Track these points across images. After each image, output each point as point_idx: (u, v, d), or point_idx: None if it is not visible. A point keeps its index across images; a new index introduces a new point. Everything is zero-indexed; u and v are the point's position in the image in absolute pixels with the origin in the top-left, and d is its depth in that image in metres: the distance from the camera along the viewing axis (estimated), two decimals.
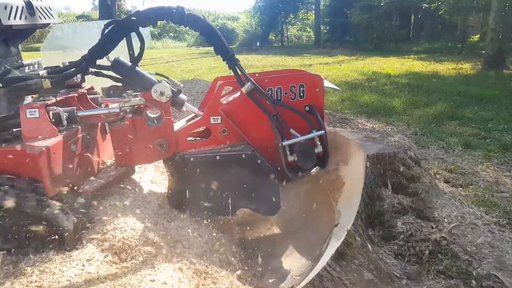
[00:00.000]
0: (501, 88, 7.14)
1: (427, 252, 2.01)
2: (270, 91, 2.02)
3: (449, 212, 2.34)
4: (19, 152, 1.65)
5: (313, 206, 2.31)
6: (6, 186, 1.61)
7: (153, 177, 2.45)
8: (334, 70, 10.24)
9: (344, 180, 2.19)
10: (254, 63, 12.30)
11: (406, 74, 9.31)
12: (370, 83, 8.05)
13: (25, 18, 1.97)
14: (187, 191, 1.97)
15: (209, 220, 2.10)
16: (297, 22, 25.33)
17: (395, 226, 2.17)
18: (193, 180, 1.96)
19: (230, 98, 2.09)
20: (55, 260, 1.61)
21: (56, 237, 1.66)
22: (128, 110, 1.91)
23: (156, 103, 1.94)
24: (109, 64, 2.05)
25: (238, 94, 2.06)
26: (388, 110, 5.69)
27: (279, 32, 23.71)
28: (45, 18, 2.14)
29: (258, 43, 19.96)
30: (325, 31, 22.24)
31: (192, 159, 1.92)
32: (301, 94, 2.05)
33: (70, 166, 1.82)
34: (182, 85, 2.26)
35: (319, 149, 2.03)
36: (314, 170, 2.10)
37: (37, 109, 1.75)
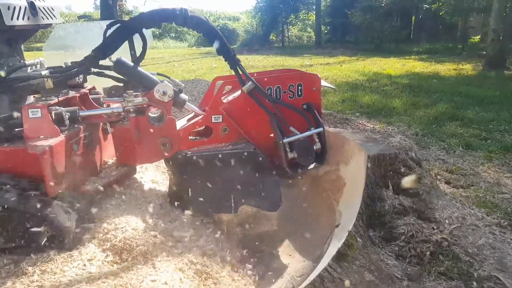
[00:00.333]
0: (502, 89, 7.13)
1: (428, 253, 2.01)
2: (269, 90, 2.06)
3: (450, 213, 2.34)
4: (21, 152, 1.65)
5: (314, 206, 2.31)
6: (8, 185, 1.61)
7: (154, 177, 2.45)
8: (334, 70, 10.23)
9: (345, 181, 2.20)
10: (255, 63, 12.30)
11: (407, 75, 9.30)
12: (371, 84, 8.05)
13: (28, 18, 1.97)
14: (190, 189, 1.98)
15: (210, 220, 2.10)
16: (298, 23, 25.31)
17: (396, 227, 2.16)
18: (195, 178, 1.98)
19: (230, 98, 2.11)
20: (56, 260, 1.61)
21: (58, 236, 1.67)
22: (131, 110, 1.92)
23: (159, 102, 1.95)
24: (111, 64, 2.06)
25: (239, 93, 2.09)
26: (389, 111, 5.69)
27: (280, 32, 23.70)
28: (48, 19, 2.14)
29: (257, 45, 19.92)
30: (326, 31, 22.23)
31: (194, 157, 1.95)
32: (299, 93, 2.10)
33: (72, 166, 1.83)
34: (183, 85, 2.28)
35: (317, 146, 2.08)
36: (312, 166, 2.13)
37: (39, 109, 1.76)
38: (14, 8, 1.86)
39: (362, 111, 5.71)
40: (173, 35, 24.44)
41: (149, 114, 2.01)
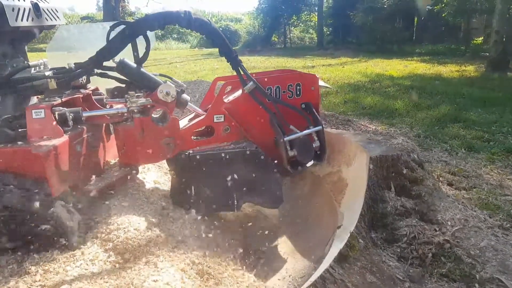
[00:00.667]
0: (505, 91, 7.11)
1: (430, 255, 2.01)
2: (269, 90, 2.11)
3: (452, 215, 2.33)
4: (24, 152, 1.66)
5: (316, 208, 2.31)
6: (11, 186, 1.62)
7: (156, 178, 2.46)
8: (337, 71, 10.23)
9: (347, 182, 2.20)
10: (257, 64, 12.31)
11: (409, 76, 9.29)
12: (373, 85, 8.04)
13: (32, 20, 1.98)
14: (193, 188, 2.01)
15: (213, 221, 2.11)
16: (300, 24, 25.31)
17: (398, 228, 2.16)
18: (199, 177, 2.01)
19: (231, 98, 2.15)
20: (59, 260, 1.62)
21: (60, 236, 1.68)
22: (135, 111, 1.94)
23: (162, 103, 1.98)
24: (114, 65, 2.08)
25: (239, 93, 2.13)
26: (391, 112, 5.68)
27: (282, 33, 23.72)
28: (52, 20, 2.16)
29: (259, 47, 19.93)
30: (328, 32, 22.22)
31: (198, 156, 1.98)
32: (298, 93, 2.18)
33: (75, 166, 1.84)
34: (185, 85, 2.32)
35: (316, 144, 2.15)
36: (311, 163, 2.19)
37: (43, 110, 1.77)
38: (19, 9, 1.88)
39: (364, 112, 5.70)
40: (176, 36, 24.49)
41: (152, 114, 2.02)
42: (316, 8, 21.98)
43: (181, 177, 2.07)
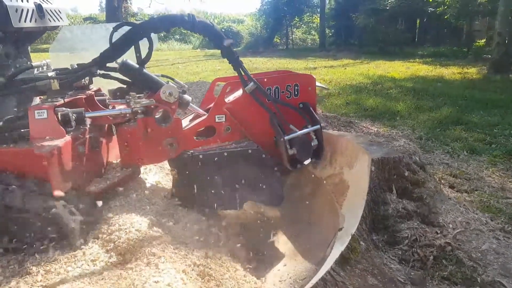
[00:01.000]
0: (507, 93, 7.09)
1: (431, 257, 2.00)
2: (268, 90, 2.17)
3: (454, 217, 2.32)
4: (26, 153, 1.67)
5: (317, 210, 2.31)
6: (13, 186, 1.63)
7: (158, 179, 2.47)
8: (338, 73, 10.22)
9: (349, 184, 2.19)
10: (259, 65, 12.32)
11: (411, 78, 9.27)
12: (375, 87, 8.03)
13: (35, 20, 2.00)
14: (196, 188, 2.04)
15: (214, 222, 2.11)
16: (302, 25, 25.32)
17: (399, 231, 2.15)
18: (202, 176, 2.04)
19: (231, 98, 2.18)
20: (60, 260, 1.62)
21: (62, 237, 1.68)
22: (139, 111, 1.96)
23: (165, 103, 2.00)
24: (116, 66, 2.09)
25: (240, 93, 2.17)
26: (393, 114, 5.67)
27: (284, 35, 23.72)
28: (55, 21, 2.17)
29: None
30: (330, 34, 22.21)
31: (201, 156, 2.02)
32: (296, 93, 2.25)
33: (77, 166, 1.84)
34: (186, 86, 2.37)
35: (314, 142, 2.23)
36: (308, 161, 2.28)
37: (45, 110, 1.78)
38: (22, 10, 1.89)
39: (366, 114, 5.70)
40: (178, 37, 24.53)
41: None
42: (318, 10, 21.97)
43: (184, 177, 2.09)
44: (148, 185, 2.27)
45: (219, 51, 2.08)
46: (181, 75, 9.43)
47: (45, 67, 2.28)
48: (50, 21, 2.13)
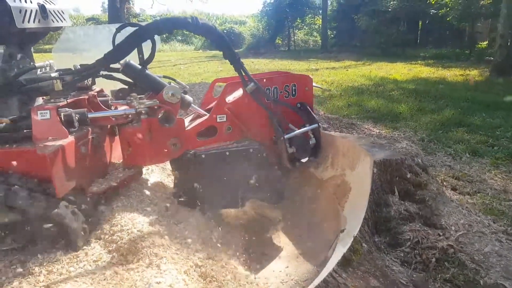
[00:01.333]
0: (509, 95, 7.07)
1: (433, 260, 1.99)
2: (267, 90, 2.23)
3: (456, 220, 2.32)
4: (29, 153, 1.67)
5: (319, 211, 2.31)
6: (16, 186, 1.63)
7: (160, 179, 2.47)
8: (340, 74, 10.22)
9: (351, 186, 2.19)
10: (261, 67, 12.32)
11: (413, 80, 9.26)
12: (377, 88, 8.02)
13: (39, 21, 2.00)
14: (198, 187, 2.07)
15: (216, 223, 2.11)
16: (304, 27, 25.32)
17: (401, 233, 2.15)
18: (204, 176, 2.07)
19: (231, 98, 2.21)
20: (62, 261, 1.62)
21: (64, 237, 1.68)
22: (143, 112, 1.97)
23: (168, 104, 2.02)
24: (119, 67, 2.10)
25: (240, 94, 2.21)
26: (395, 116, 5.67)
27: (286, 36, 23.73)
28: (58, 22, 2.17)
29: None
30: (332, 35, 22.22)
31: (204, 156, 2.05)
32: (293, 93, 2.33)
33: (80, 167, 1.84)
34: (188, 87, 2.41)
35: (312, 141, 2.32)
36: (306, 159, 2.35)
37: (48, 111, 1.78)
38: (26, 11, 1.89)
39: (368, 116, 5.69)
40: (180, 38, 24.58)
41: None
42: (321, 11, 21.97)
43: (186, 176, 2.11)
44: (150, 185, 2.27)
45: (220, 52, 2.11)
46: (183, 76, 9.44)
47: (48, 68, 2.28)
48: (54, 22, 2.14)
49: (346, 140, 2.44)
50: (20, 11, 1.86)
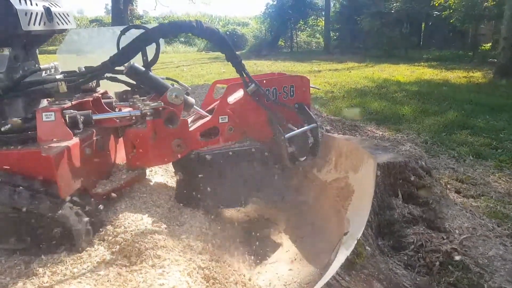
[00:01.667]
0: None
1: (437, 263, 1.98)
2: (267, 91, 2.27)
3: (460, 223, 2.31)
4: (34, 154, 1.68)
5: (323, 214, 2.30)
6: (21, 187, 1.64)
7: (163, 181, 2.47)
8: (343, 76, 10.21)
9: (354, 189, 2.18)
10: (263, 68, 12.33)
11: (416, 82, 9.23)
12: (380, 90, 8.00)
13: (44, 24, 2.02)
14: (202, 187, 2.09)
15: (219, 225, 2.12)
16: (307, 28, 25.31)
17: (405, 236, 2.14)
18: (208, 176, 2.09)
19: (232, 99, 2.26)
20: (66, 262, 1.63)
21: (68, 238, 1.69)
22: (148, 113, 1.99)
23: (172, 105, 2.04)
24: (122, 69, 2.11)
25: (241, 94, 2.25)
26: (398, 118, 5.65)
27: (289, 38, 23.74)
28: (63, 24, 2.19)
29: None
30: (335, 37, 22.20)
31: (207, 156, 2.08)
32: (291, 94, 2.37)
33: (84, 169, 1.85)
34: (190, 88, 2.44)
35: (311, 140, 2.38)
36: (305, 158, 2.39)
37: (53, 113, 1.79)
38: (31, 13, 1.91)
39: (371, 118, 5.68)
40: (183, 40, 24.64)
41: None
42: (323, 13, 21.97)
43: (190, 177, 2.12)
44: (153, 187, 2.28)
45: (223, 54, 2.13)
46: (186, 78, 9.46)
47: (53, 70, 2.30)
48: (58, 24, 2.15)
49: (350, 142, 2.44)
50: (26, 14, 1.87)
